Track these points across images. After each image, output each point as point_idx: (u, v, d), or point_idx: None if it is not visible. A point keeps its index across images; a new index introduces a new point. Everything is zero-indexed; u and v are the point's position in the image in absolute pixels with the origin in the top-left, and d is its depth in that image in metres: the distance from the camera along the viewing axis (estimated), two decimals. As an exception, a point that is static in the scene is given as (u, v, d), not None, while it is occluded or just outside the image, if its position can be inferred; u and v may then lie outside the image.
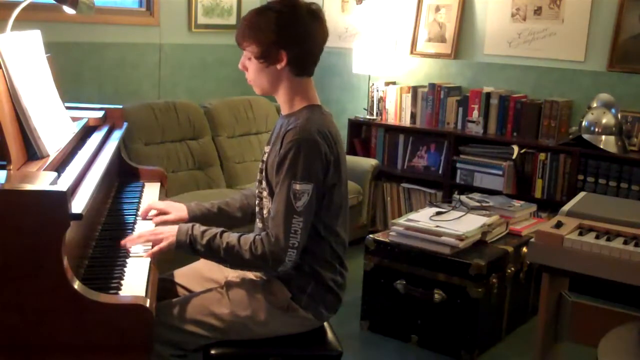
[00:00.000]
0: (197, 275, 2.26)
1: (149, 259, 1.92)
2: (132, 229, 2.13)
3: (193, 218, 2.20)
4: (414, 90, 4.63)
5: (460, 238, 3.08)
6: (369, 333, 3.37)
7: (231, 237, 1.95)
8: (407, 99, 4.65)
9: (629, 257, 2.23)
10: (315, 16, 1.99)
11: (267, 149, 2.08)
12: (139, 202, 2.38)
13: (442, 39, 4.64)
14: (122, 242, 1.97)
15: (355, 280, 3.31)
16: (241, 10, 4.87)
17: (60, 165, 1.90)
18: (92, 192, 1.79)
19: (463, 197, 3.57)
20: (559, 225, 2.42)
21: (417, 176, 4.61)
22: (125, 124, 2.63)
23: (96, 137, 2.32)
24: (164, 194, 2.60)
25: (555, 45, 4.22)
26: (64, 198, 1.55)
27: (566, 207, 2.63)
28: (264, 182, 2.05)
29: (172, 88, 4.56)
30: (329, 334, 2.15)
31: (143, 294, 1.70)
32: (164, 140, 4.00)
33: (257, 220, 2.14)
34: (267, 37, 1.95)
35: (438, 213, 3.31)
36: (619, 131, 3.85)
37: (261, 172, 2.08)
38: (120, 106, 2.68)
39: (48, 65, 2.23)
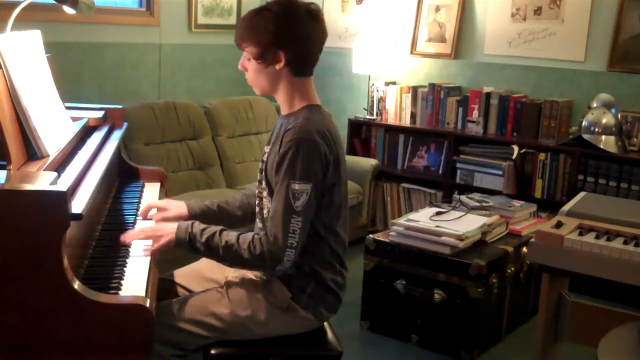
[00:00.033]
0: (197, 275, 2.27)
1: (149, 258, 1.92)
2: (132, 229, 2.12)
3: (192, 215, 2.20)
4: (414, 90, 4.63)
5: (460, 238, 3.08)
6: (369, 333, 3.37)
7: (230, 235, 1.95)
8: (407, 99, 4.65)
9: (629, 257, 2.23)
10: (314, 16, 1.99)
11: (267, 149, 2.08)
12: (139, 202, 2.38)
13: (442, 39, 4.64)
14: (122, 236, 1.98)
15: (355, 280, 3.31)
16: (241, 10, 4.87)
17: (60, 165, 1.90)
18: (92, 192, 1.79)
19: (463, 197, 3.57)
20: (559, 225, 2.42)
21: (417, 176, 4.61)
22: (125, 124, 2.63)
23: (96, 137, 2.32)
24: (164, 194, 2.60)
25: (555, 45, 4.22)
26: (64, 198, 1.55)
27: (566, 207, 2.63)
28: (263, 182, 2.05)
29: (172, 88, 4.56)
30: (329, 334, 2.15)
31: (143, 294, 1.70)
32: (164, 140, 4.00)
33: (257, 220, 2.14)
34: (265, 38, 1.95)
35: (438, 213, 3.31)
36: (619, 131, 3.85)
37: (261, 172, 2.08)
38: (120, 106, 2.68)
39: (48, 65, 2.23)
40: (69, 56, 3.85)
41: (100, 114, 2.54)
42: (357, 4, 4.92)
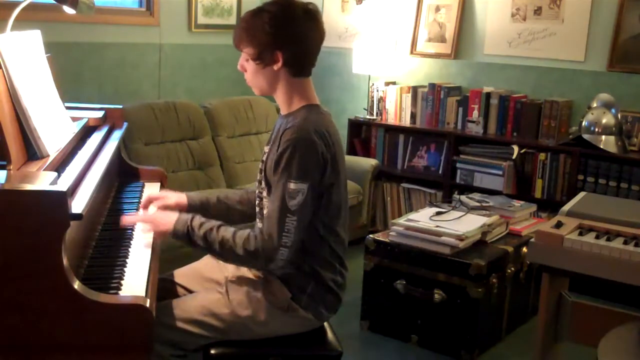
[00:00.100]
0: (197, 275, 2.27)
1: (149, 259, 1.92)
2: (132, 229, 2.13)
3: (192, 206, 2.22)
4: (414, 90, 4.63)
5: (460, 238, 3.08)
6: (369, 333, 3.37)
7: (227, 231, 1.96)
8: (407, 99, 4.65)
9: (629, 257, 2.22)
10: (311, 16, 1.99)
11: (266, 149, 2.08)
12: (139, 202, 2.38)
13: (442, 39, 4.64)
14: (123, 218, 2.04)
15: (355, 280, 3.31)
16: (241, 10, 4.87)
17: (60, 165, 1.90)
18: (92, 192, 1.79)
19: (463, 197, 3.57)
20: (559, 225, 2.42)
21: (417, 176, 4.61)
22: (125, 124, 2.63)
23: (96, 137, 2.32)
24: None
25: (555, 45, 4.22)
26: (64, 198, 1.55)
27: (566, 207, 2.63)
28: (263, 182, 2.05)
29: (172, 88, 4.56)
30: (329, 334, 2.15)
31: (143, 294, 1.70)
32: (164, 140, 4.00)
33: (258, 220, 2.14)
34: (262, 39, 1.95)
35: (438, 213, 3.31)
36: (619, 131, 3.85)
37: (261, 172, 2.08)
38: (120, 106, 2.68)
39: (48, 65, 2.23)
40: (69, 56, 3.85)
41: (100, 114, 2.54)
42: (357, 4, 4.92)
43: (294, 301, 2.03)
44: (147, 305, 1.62)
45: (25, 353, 1.61)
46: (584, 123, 3.90)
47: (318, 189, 1.96)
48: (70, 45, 3.87)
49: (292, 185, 1.90)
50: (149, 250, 1.98)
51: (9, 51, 1.85)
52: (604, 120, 3.84)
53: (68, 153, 2.04)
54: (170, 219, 2.00)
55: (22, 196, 1.54)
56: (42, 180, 1.62)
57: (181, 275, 2.28)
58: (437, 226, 3.15)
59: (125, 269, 1.84)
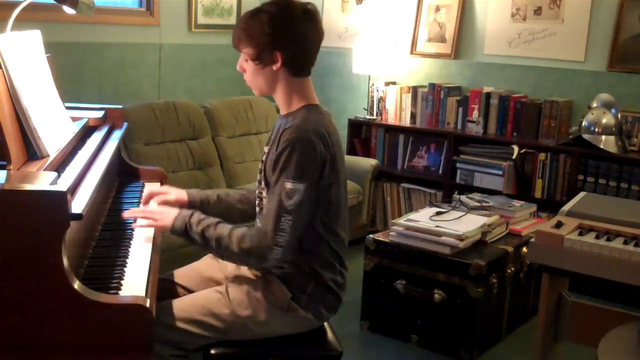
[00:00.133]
0: (197, 275, 2.27)
1: (149, 259, 1.92)
2: (132, 229, 2.13)
3: (192, 202, 2.22)
4: (414, 90, 4.63)
5: (460, 238, 3.08)
6: (369, 333, 3.37)
7: (224, 228, 1.96)
8: (407, 99, 4.65)
9: (629, 257, 2.22)
10: (310, 16, 1.99)
11: (266, 149, 2.08)
12: (139, 202, 2.38)
13: (442, 39, 4.64)
14: (124, 212, 2.08)
15: (355, 280, 3.31)
16: (241, 10, 4.87)
17: (60, 165, 1.90)
18: (92, 192, 1.79)
19: (463, 197, 3.57)
20: (559, 225, 2.42)
21: (417, 176, 4.61)
22: (125, 124, 2.63)
23: (96, 137, 2.32)
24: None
25: (555, 45, 4.22)
26: (64, 198, 1.55)
27: (566, 207, 2.63)
28: (263, 182, 2.05)
29: (172, 88, 4.56)
30: (329, 334, 2.15)
31: (143, 294, 1.70)
32: (164, 140, 4.00)
33: (257, 220, 2.14)
34: (261, 39, 1.96)
35: (438, 213, 3.31)
36: (619, 131, 3.85)
37: (260, 172, 2.08)
38: (120, 106, 2.68)
39: (48, 65, 2.23)
40: (69, 56, 3.85)
41: (100, 114, 2.54)
42: (357, 4, 4.92)
43: (294, 301, 2.03)
44: (147, 305, 1.62)
45: (25, 353, 1.61)
46: (584, 123, 3.90)
47: (316, 189, 1.96)
48: (70, 45, 3.87)
49: (289, 185, 1.90)
50: (149, 250, 1.98)
51: (9, 51, 1.85)
52: (604, 120, 3.84)
53: (68, 153, 2.04)
54: (170, 215, 2.02)
55: (22, 196, 1.54)
56: (42, 180, 1.62)
57: (181, 275, 2.28)
58: (437, 226, 3.15)
59: (125, 269, 1.84)
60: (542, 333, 2.57)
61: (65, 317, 1.58)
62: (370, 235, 3.36)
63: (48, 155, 1.85)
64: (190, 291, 2.20)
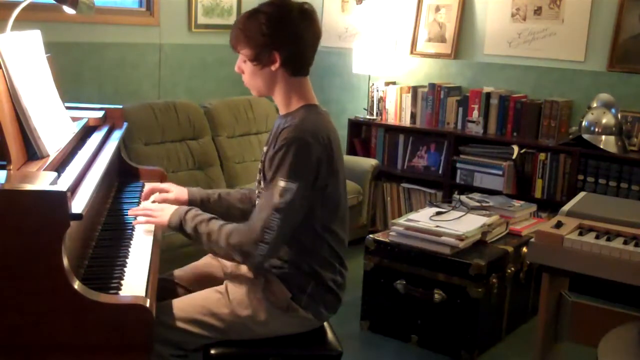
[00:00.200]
0: (197, 275, 2.27)
1: (149, 259, 1.92)
2: (132, 229, 2.13)
3: (192, 201, 2.24)
4: (414, 90, 4.63)
5: (460, 238, 3.08)
6: (369, 333, 3.37)
7: (215, 224, 1.97)
8: (407, 99, 4.65)
9: (629, 257, 2.23)
10: (307, 16, 1.99)
11: (265, 148, 2.09)
12: (139, 202, 2.38)
13: (442, 39, 4.64)
14: (130, 211, 2.12)
15: (355, 280, 3.31)
16: (241, 10, 4.87)
17: (60, 165, 1.90)
18: (92, 192, 1.79)
19: (463, 197, 3.57)
20: (559, 225, 2.42)
21: (417, 176, 4.61)
22: (125, 124, 2.63)
23: (96, 137, 2.32)
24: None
25: (555, 45, 4.22)
26: (64, 198, 1.55)
27: (566, 207, 2.63)
28: (262, 182, 2.05)
29: (172, 88, 4.56)
30: (329, 334, 2.15)
31: (143, 294, 1.70)
32: (164, 140, 4.00)
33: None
34: (258, 40, 1.96)
35: (438, 213, 3.31)
36: (619, 131, 3.85)
37: (260, 172, 2.08)
38: (120, 106, 2.68)
39: (48, 65, 2.23)
40: (69, 56, 3.85)
41: (100, 114, 2.54)
42: (357, 4, 4.92)
43: (294, 301, 2.03)
44: (147, 305, 1.62)
45: (25, 353, 1.60)
46: (584, 123, 3.90)
47: (313, 189, 1.96)
48: (70, 45, 3.87)
49: (282, 184, 1.90)
50: (149, 250, 1.98)
51: (9, 51, 1.85)
52: (604, 120, 3.84)
53: (68, 153, 2.04)
54: (167, 211, 2.04)
55: (22, 196, 1.54)
56: (42, 180, 1.62)
57: (181, 275, 2.28)
58: (437, 226, 3.15)
59: (125, 269, 1.84)
60: (542, 333, 2.57)
61: (65, 317, 1.58)
62: (370, 235, 3.36)
63: (48, 155, 1.85)
64: (190, 291, 2.20)
